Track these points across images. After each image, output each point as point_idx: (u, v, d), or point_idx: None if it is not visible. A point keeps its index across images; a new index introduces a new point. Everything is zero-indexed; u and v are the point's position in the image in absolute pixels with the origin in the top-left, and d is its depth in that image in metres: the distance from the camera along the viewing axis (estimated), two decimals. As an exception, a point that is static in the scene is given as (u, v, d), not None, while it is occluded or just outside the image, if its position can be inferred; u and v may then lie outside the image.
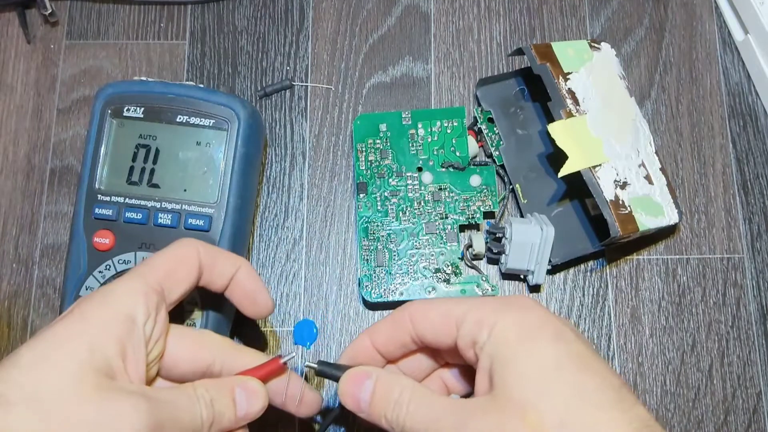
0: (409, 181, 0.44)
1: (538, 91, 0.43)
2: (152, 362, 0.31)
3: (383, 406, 0.30)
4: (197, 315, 0.38)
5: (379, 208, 0.43)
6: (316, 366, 0.33)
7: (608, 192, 0.40)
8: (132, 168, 0.41)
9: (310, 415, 0.35)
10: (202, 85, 0.42)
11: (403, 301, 0.42)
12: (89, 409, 0.26)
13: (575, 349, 0.28)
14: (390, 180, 0.44)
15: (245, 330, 0.43)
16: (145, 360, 0.29)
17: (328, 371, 0.33)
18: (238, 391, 0.31)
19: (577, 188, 0.42)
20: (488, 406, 0.27)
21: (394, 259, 0.42)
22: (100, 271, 0.39)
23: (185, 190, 0.40)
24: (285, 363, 0.33)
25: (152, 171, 0.41)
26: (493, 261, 0.43)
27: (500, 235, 0.42)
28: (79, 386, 0.26)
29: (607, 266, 0.44)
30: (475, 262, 0.43)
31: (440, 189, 0.43)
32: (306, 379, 0.40)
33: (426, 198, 0.43)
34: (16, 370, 0.26)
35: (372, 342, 0.33)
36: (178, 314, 0.38)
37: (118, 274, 0.39)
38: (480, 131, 0.45)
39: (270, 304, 0.35)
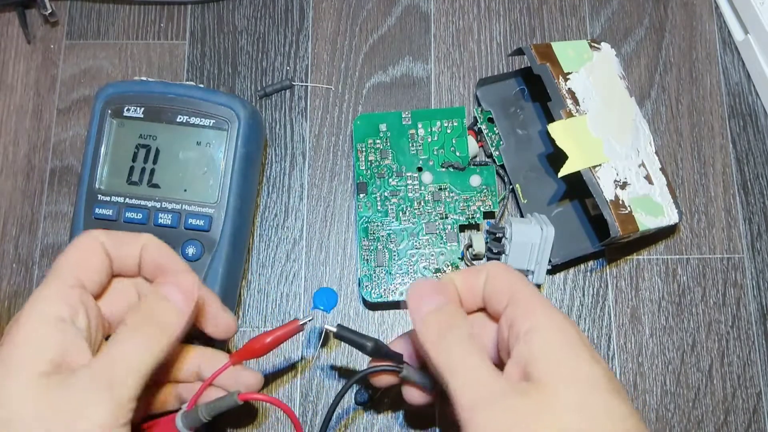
0: (409, 181, 0.44)
1: (538, 91, 0.43)
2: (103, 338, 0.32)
3: (438, 324, 0.31)
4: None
5: (379, 208, 0.43)
6: (334, 329, 0.34)
7: (608, 192, 0.40)
8: (132, 168, 0.41)
9: (226, 337, 0.36)
10: (202, 85, 0.42)
11: (404, 302, 0.42)
12: (50, 421, 0.27)
13: (609, 374, 0.29)
14: (390, 180, 0.44)
15: (245, 332, 0.43)
16: (90, 346, 0.30)
17: (346, 335, 0.34)
18: (167, 291, 0.32)
19: (577, 188, 0.42)
20: (528, 392, 0.28)
21: (394, 259, 0.42)
22: (100, 271, 0.39)
23: (185, 190, 0.40)
24: (303, 324, 0.35)
25: (152, 171, 0.41)
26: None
27: (500, 235, 0.42)
28: (34, 405, 0.27)
29: (607, 266, 0.44)
30: (475, 262, 0.43)
31: (440, 189, 0.43)
32: (325, 342, 0.41)
33: (426, 198, 0.43)
34: None
35: (454, 278, 0.34)
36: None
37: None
38: (480, 131, 0.45)
39: (182, 267, 0.34)
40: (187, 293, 0.32)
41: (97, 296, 0.33)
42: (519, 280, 0.32)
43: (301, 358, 0.42)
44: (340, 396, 0.35)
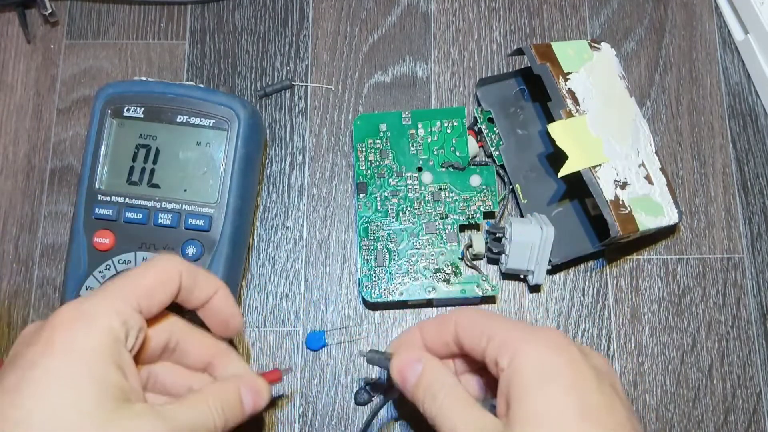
0: (409, 181, 0.44)
1: (538, 91, 0.43)
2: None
3: (423, 393, 0.32)
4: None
5: (379, 208, 0.43)
6: (366, 354, 0.35)
7: (608, 192, 0.40)
8: (132, 168, 0.41)
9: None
10: (202, 85, 0.42)
11: (404, 302, 0.42)
12: None
13: (588, 402, 0.28)
14: (390, 180, 0.44)
15: (245, 332, 0.43)
16: (137, 373, 0.30)
17: (377, 359, 0.35)
18: (243, 391, 0.33)
19: (577, 188, 0.42)
20: None
21: (394, 259, 0.42)
22: (100, 271, 0.39)
23: (185, 190, 0.40)
24: (284, 371, 0.37)
25: (152, 171, 0.41)
26: (493, 261, 0.43)
27: (500, 235, 0.42)
28: (96, 419, 0.26)
29: (607, 266, 0.44)
30: (475, 262, 0.43)
31: (440, 189, 0.43)
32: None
33: (426, 198, 0.43)
34: (25, 420, 0.26)
35: (421, 334, 0.35)
36: None
37: (119, 274, 0.39)
38: (480, 131, 0.45)
39: (240, 328, 0.36)
40: (257, 406, 0.34)
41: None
42: (489, 318, 0.32)
43: (301, 357, 0.42)
44: (367, 424, 0.38)
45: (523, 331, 0.31)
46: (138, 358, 0.32)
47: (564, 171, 0.40)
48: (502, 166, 0.45)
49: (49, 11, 0.47)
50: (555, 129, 0.40)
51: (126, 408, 0.27)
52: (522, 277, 0.43)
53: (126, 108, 0.41)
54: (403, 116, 0.45)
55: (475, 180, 0.43)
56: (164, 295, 0.31)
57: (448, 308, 0.43)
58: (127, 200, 0.40)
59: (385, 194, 0.43)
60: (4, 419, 0.26)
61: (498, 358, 0.30)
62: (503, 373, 0.30)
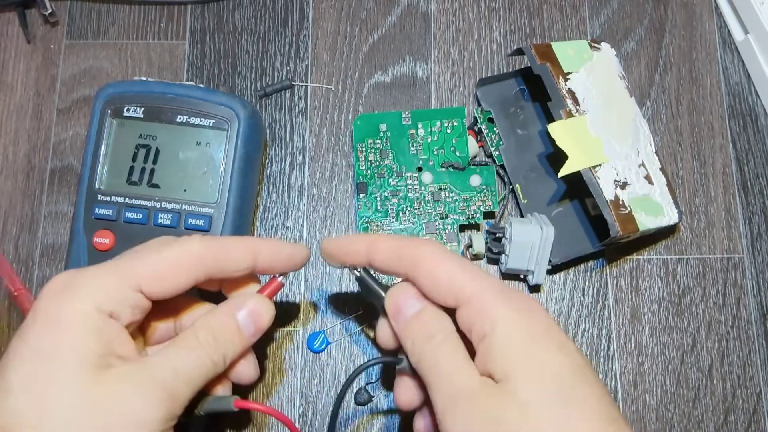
0: (409, 181, 0.44)
1: (538, 91, 0.43)
2: (134, 329, 0.31)
3: (417, 330, 0.30)
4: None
5: (379, 208, 0.43)
6: (359, 272, 0.34)
7: (608, 192, 0.40)
8: (132, 168, 0.41)
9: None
10: (202, 85, 0.42)
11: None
12: (99, 410, 0.26)
13: (577, 362, 0.28)
14: (390, 180, 0.44)
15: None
16: (129, 337, 0.29)
17: (369, 282, 0.34)
18: (241, 314, 0.32)
19: (577, 188, 0.42)
20: (495, 393, 0.27)
21: (394, 259, 0.42)
22: (100, 271, 0.39)
23: (185, 190, 0.40)
24: (282, 280, 0.35)
25: (152, 171, 0.41)
26: (493, 261, 0.43)
27: (500, 235, 0.42)
28: (81, 394, 0.26)
29: (607, 266, 0.44)
30: (475, 262, 0.43)
31: (440, 189, 0.43)
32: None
33: (426, 198, 0.43)
34: (11, 397, 0.26)
35: (367, 253, 0.32)
36: None
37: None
38: (480, 131, 0.45)
39: (304, 259, 0.34)
40: (260, 327, 0.32)
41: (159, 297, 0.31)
42: (456, 268, 0.30)
43: (301, 357, 0.42)
44: (345, 386, 0.34)
45: (499, 294, 0.29)
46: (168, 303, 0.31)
47: (564, 171, 0.40)
48: (502, 166, 0.45)
49: (49, 11, 0.47)
50: (555, 129, 0.40)
51: (107, 373, 0.27)
52: (522, 277, 0.43)
53: (126, 108, 0.41)
54: (403, 116, 0.45)
55: (475, 180, 0.43)
56: (175, 283, 0.30)
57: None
58: (127, 200, 0.40)
59: (385, 194, 0.43)
60: None
61: (473, 326, 0.29)
62: (484, 341, 0.28)
